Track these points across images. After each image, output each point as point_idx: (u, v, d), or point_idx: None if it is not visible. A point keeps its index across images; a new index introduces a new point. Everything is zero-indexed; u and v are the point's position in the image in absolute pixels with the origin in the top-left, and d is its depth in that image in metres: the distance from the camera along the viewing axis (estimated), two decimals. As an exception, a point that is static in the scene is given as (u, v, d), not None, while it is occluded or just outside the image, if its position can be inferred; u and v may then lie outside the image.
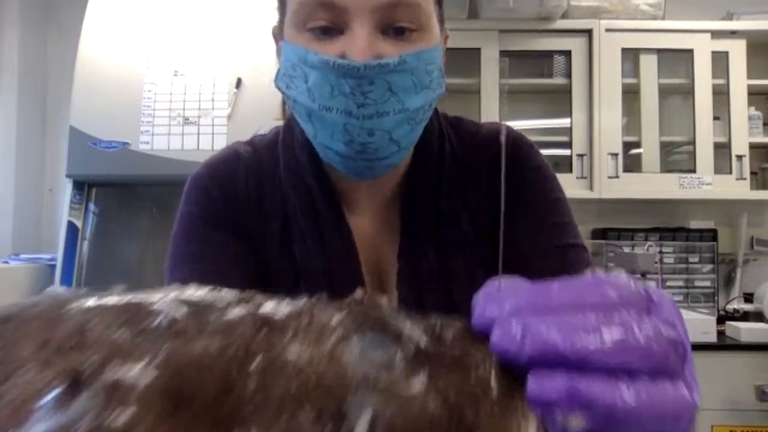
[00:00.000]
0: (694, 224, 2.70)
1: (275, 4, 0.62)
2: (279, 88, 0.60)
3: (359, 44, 0.53)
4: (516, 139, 0.68)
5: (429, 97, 0.58)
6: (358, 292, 0.28)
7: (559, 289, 0.26)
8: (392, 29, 0.55)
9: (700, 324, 2.16)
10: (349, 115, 0.54)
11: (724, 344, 2.17)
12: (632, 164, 2.57)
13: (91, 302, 0.23)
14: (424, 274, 0.63)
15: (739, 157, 2.50)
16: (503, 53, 2.55)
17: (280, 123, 0.70)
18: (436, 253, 0.64)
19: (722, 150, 2.52)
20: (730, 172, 2.50)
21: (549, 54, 2.62)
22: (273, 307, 0.25)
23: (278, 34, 0.62)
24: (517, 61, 2.64)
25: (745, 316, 2.48)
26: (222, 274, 0.61)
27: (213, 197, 0.64)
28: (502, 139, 0.67)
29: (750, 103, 2.54)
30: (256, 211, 0.65)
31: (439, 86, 0.59)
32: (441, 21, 0.61)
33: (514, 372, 0.25)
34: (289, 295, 0.59)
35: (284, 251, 0.64)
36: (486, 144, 0.68)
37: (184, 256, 0.62)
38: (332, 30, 0.54)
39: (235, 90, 1.92)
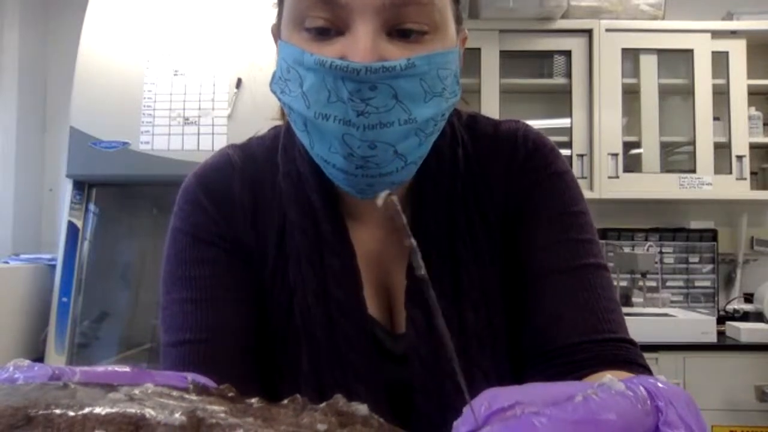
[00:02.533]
0: (694, 224, 2.70)
1: (274, 1, 0.57)
2: (274, 93, 0.55)
3: (360, 45, 0.47)
4: (534, 141, 0.62)
5: (441, 107, 0.51)
6: (337, 398, 0.26)
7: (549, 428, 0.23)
8: (399, 31, 0.49)
9: (700, 324, 2.17)
10: (348, 124, 0.48)
11: (724, 344, 2.18)
12: (632, 164, 2.58)
13: None
14: (435, 293, 0.58)
15: (739, 157, 2.50)
16: (503, 53, 2.55)
17: (279, 123, 0.66)
18: (449, 271, 0.58)
19: (722, 150, 2.52)
20: (730, 172, 2.50)
21: (549, 54, 2.62)
22: None
23: (276, 32, 0.57)
24: (517, 61, 2.64)
25: (745, 317, 2.48)
26: (217, 297, 0.58)
27: (206, 212, 0.60)
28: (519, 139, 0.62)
29: (750, 103, 2.54)
30: (251, 225, 0.60)
31: (453, 94, 0.53)
32: (458, 20, 0.55)
33: None
34: (283, 319, 0.58)
35: (279, 272, 0.60)
36: (502, 146, 0.62)
37: (178, 278, 0.58)
38: (331, 30, 0.49)
39: (235, 90, 1.92)
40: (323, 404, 0.25)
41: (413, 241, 0.31)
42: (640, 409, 0.24)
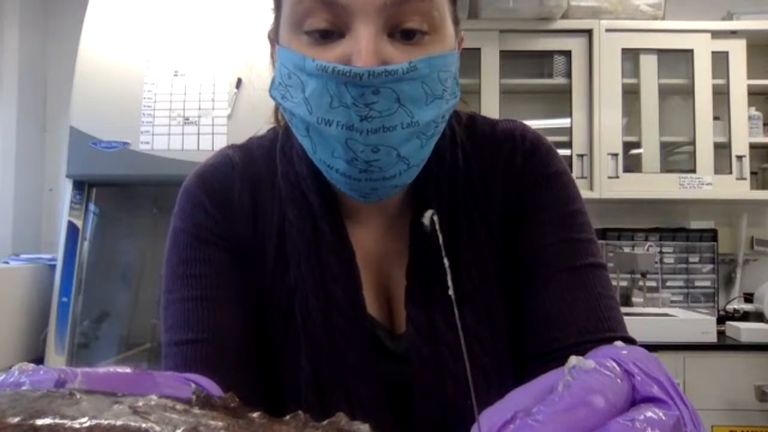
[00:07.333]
0: (694, 224, 2.70)
1: (271, 4, 0.57)
2: (274, 99, 0.55)
3: (363, 48, 0.47)
4: (532, 141, 0.62)
5: (442, 109, 0.51)
6: (339, 416, 0.26)
7: None
8: (400, 32, 0.49)
9: (700, 324, 2.17)
10: (351, 129, 0.48)
11: (724, 344, 2.18)
12: (632, 164, 2.57)
13: None
14: (435, 293, 0.58)
15: (739, 157, 2.50)
16: (503, 53, 2.55)
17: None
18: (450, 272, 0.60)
19: (722, 150, 2.52)
20: (730, 172, 2.50)
21: (549, 54, 2.62)
22: None
23: (274, 37, 0.56)
24: (517, 61, 2.64)
25: (745, 316, 2.48)
26: (218, 297, 0.58)
27: (207, 211, 0.60)
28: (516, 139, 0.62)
29: (750, 103, 2.54)
30: (251, 226, 0.61)
31: (453, 96, 0.53)
32: (455, 22, 0.55)
33: None
34: (283, 319, 0.58)
35: (279, 272, 0.60)
36: (500, 146, 0.62)
37: (179, 277, 0.59)
38: (332, 33, 0.49)
39: (235, 90, 1.92)
40: (325, 422, 0.26)
41: (446, 262, 0.33)
42: (614, 378, 0.26)
